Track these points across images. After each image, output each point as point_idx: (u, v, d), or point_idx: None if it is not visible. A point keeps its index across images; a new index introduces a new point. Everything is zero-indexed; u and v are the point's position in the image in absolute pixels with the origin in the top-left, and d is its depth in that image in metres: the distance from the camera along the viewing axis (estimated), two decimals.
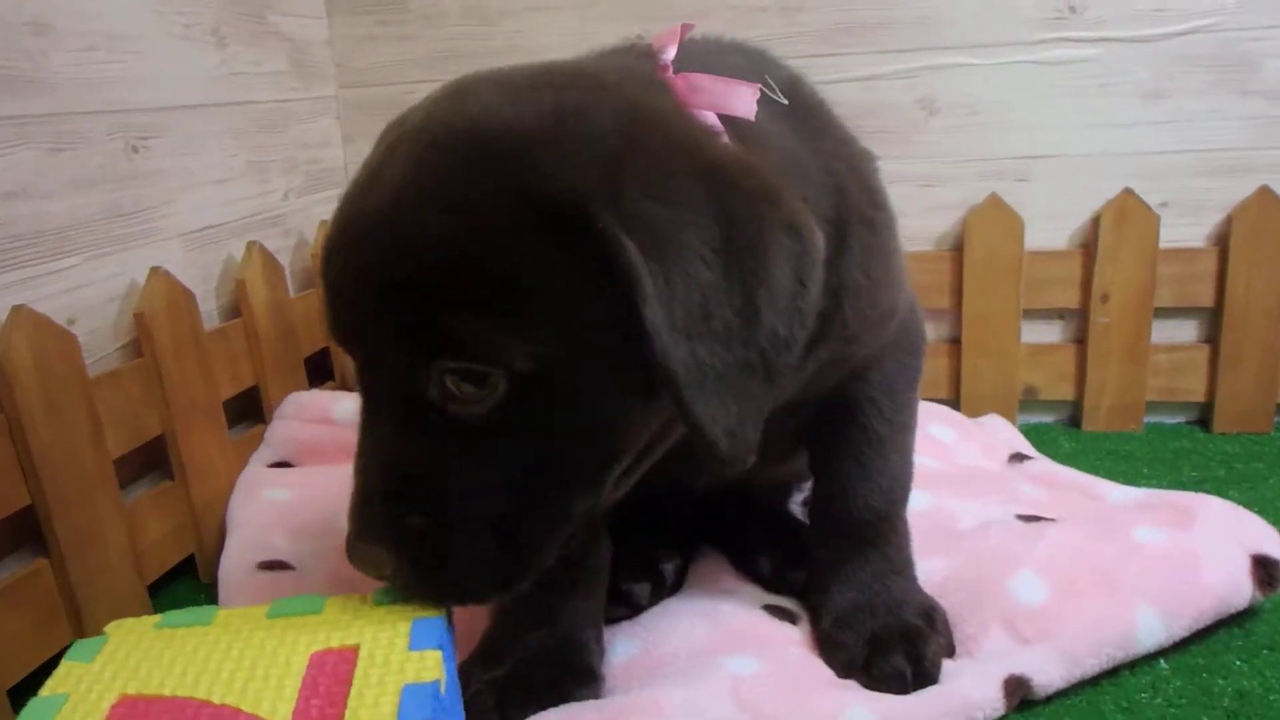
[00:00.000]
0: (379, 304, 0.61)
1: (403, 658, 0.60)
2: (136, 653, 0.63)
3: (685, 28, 0.81)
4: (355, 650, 0.61)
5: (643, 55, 0.77)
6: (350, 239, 0.63)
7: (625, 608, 0.94)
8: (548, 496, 0.65)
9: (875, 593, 0.88)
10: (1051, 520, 1.04)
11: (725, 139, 0.68)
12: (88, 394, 0.98)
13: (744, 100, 0.71)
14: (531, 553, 0.66)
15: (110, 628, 0.67)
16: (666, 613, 0.95)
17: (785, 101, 0.77)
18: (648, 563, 0.98)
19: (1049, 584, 0.91)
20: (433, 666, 0.59)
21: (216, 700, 0.56)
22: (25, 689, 0.91)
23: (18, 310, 0.92)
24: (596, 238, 0.56)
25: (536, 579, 0.67)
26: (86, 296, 1.05)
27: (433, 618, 0.65)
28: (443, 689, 0.59)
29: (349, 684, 0.57)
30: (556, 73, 0.68)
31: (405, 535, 0.63)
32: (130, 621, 0.68)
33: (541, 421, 0.62)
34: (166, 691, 0.58)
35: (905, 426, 0.93)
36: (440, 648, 0.61)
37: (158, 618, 0.68)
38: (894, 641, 0.84)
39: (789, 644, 0.89)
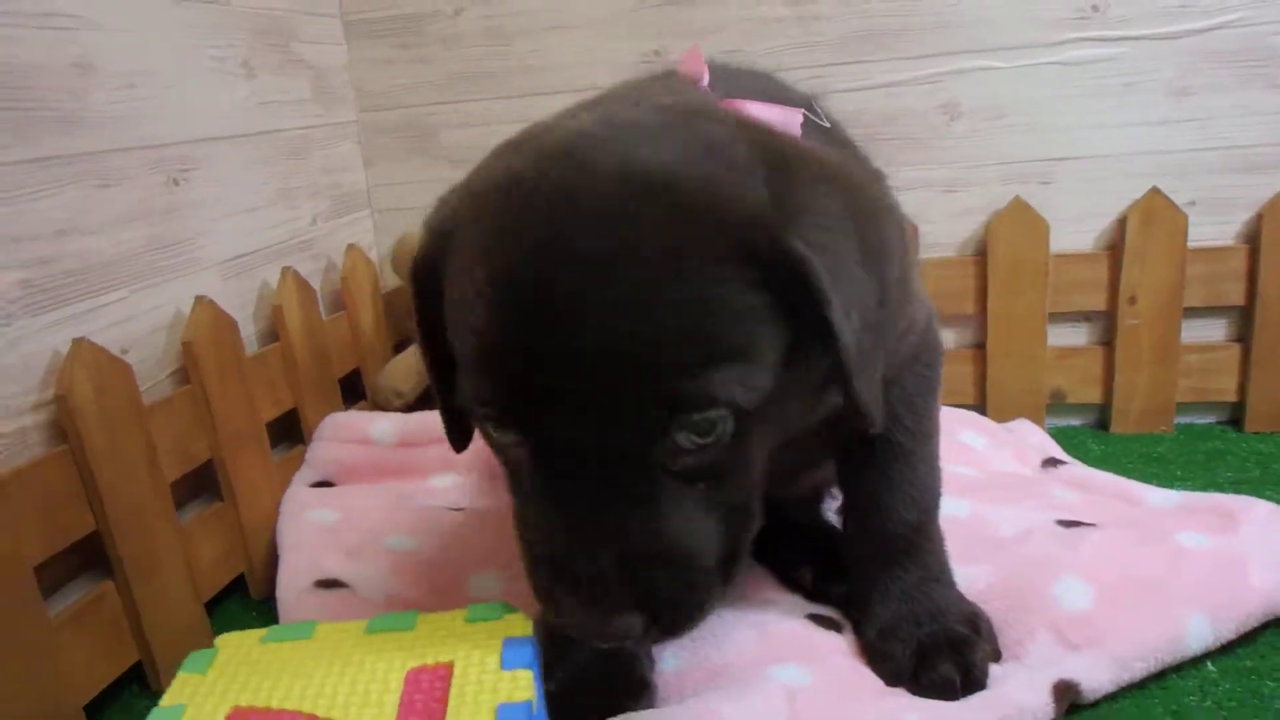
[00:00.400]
0: (604, 373, 0.59)
1: (495, 677, 0.65)
2: (245, 666, 0.68)
3: (695, 53, 0.86)
4: (450, 667, 0.66)
5: (686, 83, 0.82)
6: (554, 305, 0.58)
7: None
8: (749, 509, 0.70)
9: (918, 602, 0.91)
10: (1092, 525, 1.07)
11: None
12: (143, 422, 1.04)
13: (793, 125, 0.76)
14: (741, 560, 0.70)
15: (220, 641, 0.72)
16: (713, 623, 0.96)
17: (827, 124, 0.82)
18: None
19: (1095, 589, 0.94)
20: (525, 686, 0.63)
21: (322, 714, 0.61)
22: (97, 706, 0.98)
23: (78, 344, 0.97)
24: (784, 262, 0.60)
25: None
26: (134, 328, 1.11)
27: (523, 637, 0.69)
28: (534, 708, 0.64)
29: (445, 701, 0.62)
30: (659, 106, 0.69)
31: (649, 595, 0.63)
32: (238, 635, 0.73)
33: (749, 447, 0.65)
34: (274, 704, 0.63)
35: (928, 436, 0.97)
36: (530, 667, 0.66)
37: (263, 632, 0.73)
38: (941, 649, 0.87)
39: (835, 653, 0.92)
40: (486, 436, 0.67)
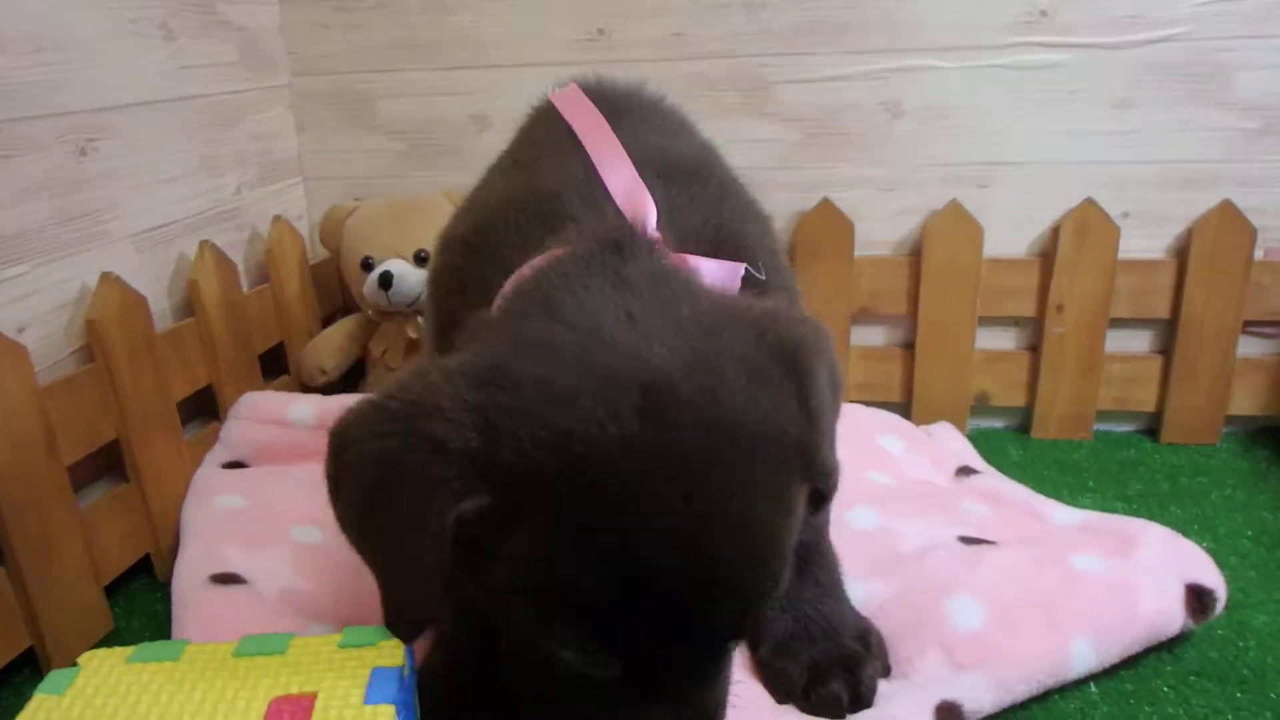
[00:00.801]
0: (727, 602, 0.63)
1: (357, 712, 0.64)
2: (105, 689, 0.67)
3: (575, 90, 0.95)
4: (313, 699, 0.66)
5: (657, 261, 0.74)
6: (703, 545, 0.60)
7: None
8: None
9: (811, 619, 0.92)
10: (993, 544, 1.09)
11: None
12: (40, 404, 1.02)
13: (736, 279, 0.82)
14: None
15: (83, 659, 0.72)
16: None
17: (763, 278, 0.84)
18: None
19: (987, 610, 0.96)
20: None
21: None
22: None
23: None
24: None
25: None
26: (36, 304, 1.09)
27: (390, 668, 0.69)
28: None
29: None
30: (694, 336, 0.66)
31: None
32: (102, 653, 0.72)
33: None
34: None
35: None
36: (394, 702, 0.65)
37: (129, 650, 0.72)
38: (833, 667, 0.89)
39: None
40: (553, 660, 0.66)
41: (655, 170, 0.85)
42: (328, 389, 1.56)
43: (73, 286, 1.14)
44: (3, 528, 0.98)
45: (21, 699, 0.98)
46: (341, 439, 0.68)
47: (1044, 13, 1.45)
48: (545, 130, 0.93)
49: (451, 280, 0.89)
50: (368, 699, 0.66)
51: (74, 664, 0.72)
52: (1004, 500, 1.25)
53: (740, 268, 0.81)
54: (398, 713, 0.65)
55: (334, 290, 1.74)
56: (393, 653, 0.72)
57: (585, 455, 0.58)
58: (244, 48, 1.52)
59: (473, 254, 0.86)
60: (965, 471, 1.36)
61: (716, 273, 0.80)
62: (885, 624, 0.96)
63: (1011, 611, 0.96)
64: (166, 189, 1.32)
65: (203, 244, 1.34)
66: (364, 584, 1.07)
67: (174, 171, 1.34)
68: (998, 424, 1.64)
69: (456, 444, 0.59)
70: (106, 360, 1.12)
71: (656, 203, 0.81)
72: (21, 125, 1.06)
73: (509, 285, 0.74)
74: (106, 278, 1.14)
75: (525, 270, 0.73)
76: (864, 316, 1.61)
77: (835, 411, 0.74)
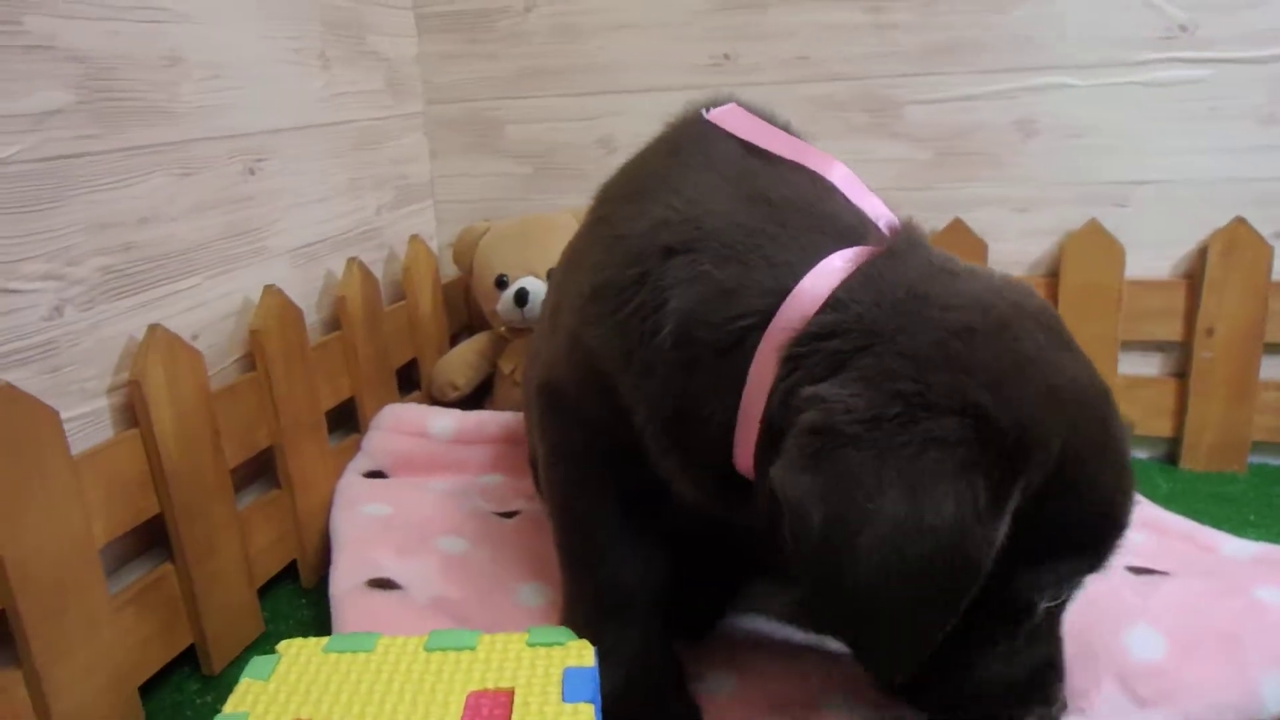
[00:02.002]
0: None
1: (557, 709, 0.67)
2: (307, 676, 0.72)
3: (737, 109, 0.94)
4: (510, 695, 0.68)
5: (915, 232, 0.81)
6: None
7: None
8: None
9: None
10: (1164, 574, 1.06)
11: None
12: (211, 409, 1.10)
13: None
14: None
15: (282, 647, 0.76)
16: (778, 649, 1.01)
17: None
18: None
19: (1167, 641, 0.93)
20: None
21: None
22: (148, 688, 1.04)
23: (153, 330, 1.03)
24: None
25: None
26: (205, 314, 1.17)
27: (584, 668, 0.72)
28: None
29: None
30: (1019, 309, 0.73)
31: None
32: (299, 642, 0.77)
33: None
34: (335, 718, 0.67)
35: None
36: (593, 701, 0.68)
37: (324, 640, 0.77)
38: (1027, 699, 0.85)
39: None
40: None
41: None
42: (457, 404, 1.62)
43: (236, 298, 1.22)
44: (174, 525, 1.05)
45: (183, 695, 1.06)
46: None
47: (1183, 27, 1.44)
48: (714, 142, 0.89)
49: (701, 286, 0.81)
50: (566, 697, 0.68)
51: (272, 651, 0.77)
52: (1167, 530, 1.20)
53: None
54: (595, 712, 0.68)
55: (460, 308, 1.82)
56: (582, 653, 0.74)
57: (1075, 403, 0.68)
58: (387, 76, 1.61)
59: (729, 263, 0.79)
60: None
61: None
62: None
63: (1194, 643, 0.93)
64: (318, 208, 1.41)
65: (350, 261, 1.42)
66: (507, 595, 1.13)
67: (324, 192, 1.42)
68: (1142, 455, 1.61)
69: (1044, 438, 0.66)
70: (266, 368, 1.20)
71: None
72: (200, 145, 1.15)
73: (832, 280, 0.74)
74: (270, 290, 1.22)
75: (846, 266, 0.75)
76: None
77: None
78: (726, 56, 1.62)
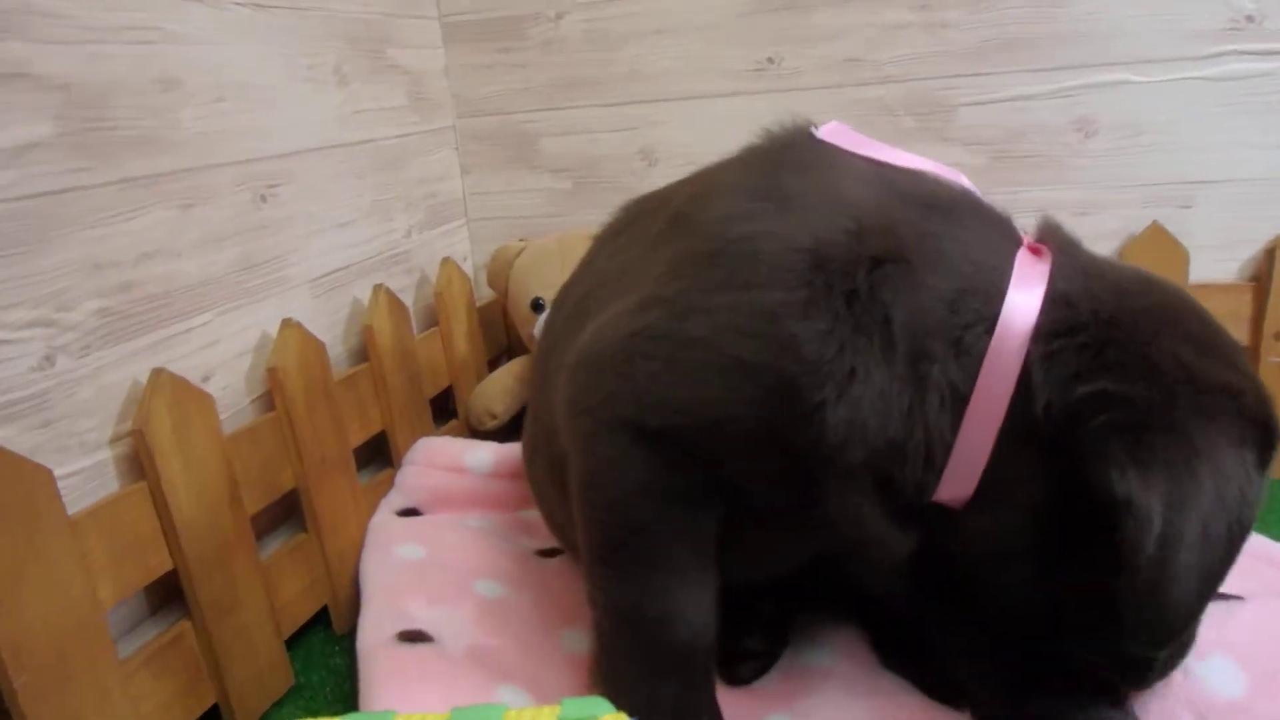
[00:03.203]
0: None
1: None
2: None
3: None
4: None
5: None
6: None
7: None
8: None
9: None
10: (1239, 598, 0.94)
11: None
12: (225, 454, 0.98)
13: None
14: None
15: None
16: (822, 692, 0.91)
17: None
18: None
19: (1248, 676, 0.82)
20: None
21: None
22: None
23: (157, 374, 0.91)
24: None
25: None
26: (219, 352, 1.05)
27: None
28: None
29: None
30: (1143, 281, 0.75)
31: None
32: None
33: None
34: None
35: None
36: None
37: None
38: None
39: None
40: None
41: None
42: (497, 433, 1.49)
43: (253, 334, 1.10)
44: (189, 581, 0.93)
45: None
46: None
47: (1250, 18, 1.30)
48: (837, 154, 0.83)
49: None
50: None
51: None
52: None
53: None
54: None
55: (499, 332, 1.68)
56: None
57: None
58: (411, 91, 1.48)
59: (939, 271, 0.73)
60: None
61: None
62: None
63: (1276, 675, 0.83)
64: (340, 234, 1.28)
65: (377, 288, 1.29)
66: (552, 642, 1.01)
67: (347, 216, 1.30)
68: None
69: None
70: (287, 407, 1.08)
71: None
72: (204, 174, 1.03)
73: (1038, 278, 0.72)
74: (288, 324, 1.10)
75: (1041, 263, 0.74)
76: None
77: None
78: (770, 60, 1.48)
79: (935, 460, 0.71)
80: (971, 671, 0.87)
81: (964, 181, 0.82)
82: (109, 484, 0.90)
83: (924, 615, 0.90)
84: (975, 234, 0.74)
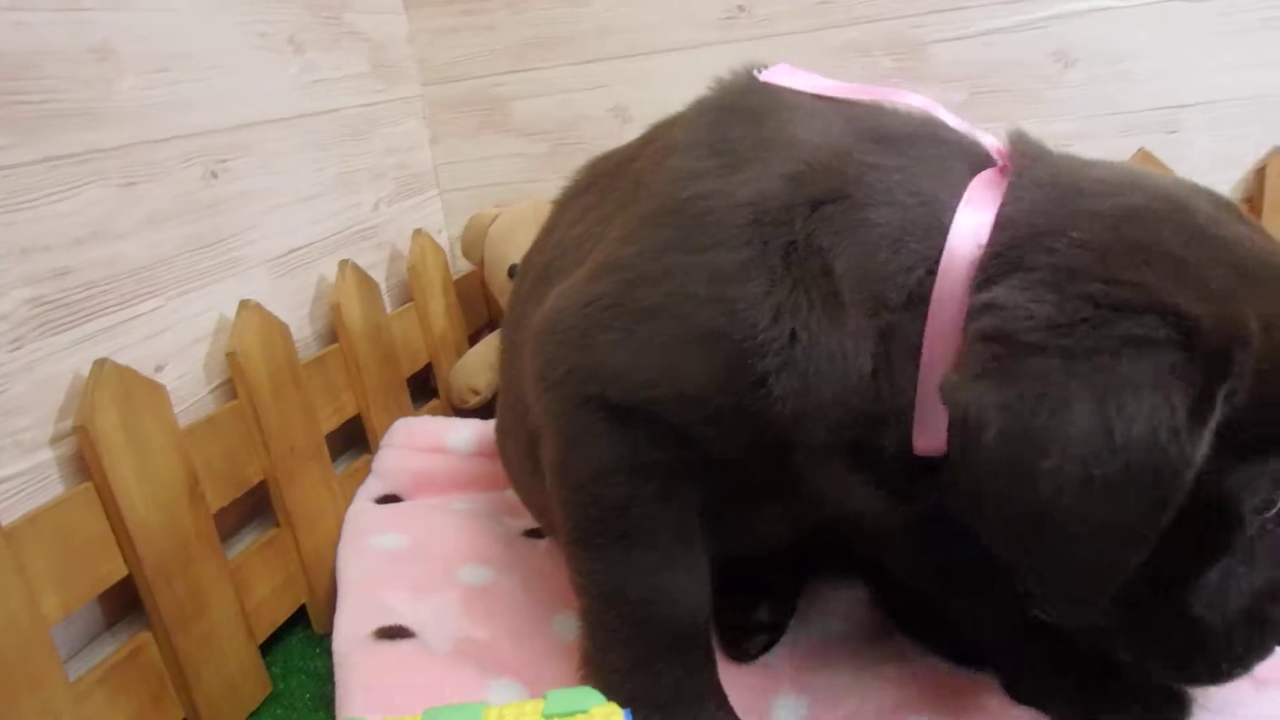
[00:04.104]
0: None
1: None
2: None
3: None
4: None
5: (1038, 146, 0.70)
6: None
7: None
8: None
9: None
10: None
11: None
12: (182, 448, 0.89)
13: None
14: None
15: None
16: (847, 666, 0.84)
17: None
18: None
19: None
20: None
21: None
22: None
23: (100, 365, 0.82)
24: None
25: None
26: (172, 339, 0.95)
27: None
28: None
29: None
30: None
31: None
32: None
33: None
34: None
35: None
36: None
37: None
38: None
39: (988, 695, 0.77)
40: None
41: None
42: (480, 409, 1.40)
43: (208, 319, 1.00)
44: (147, 588, 0.84)
45: None
46: None
47: None
48: (786, 96, 0.75)
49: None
50: None
51: None
52: None
53: None
54: None
55: (478, 305, 1.58)
56: (608, 715, 0.57)
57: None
58: (374, 58, 1.38)
59: (882, 206, 0.65)
60: None
61: None
62: None
63: None
64: (302, 209, 1.18)
65: (343, 264, 1.19)
66: (540, 629, 0.92)
67: (309, 190, 1.19)
68: None
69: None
70: (250, 395, 0.98)
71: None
72: (148, 149, 0.93)
73: (988, 203, 0.63)
74: (246, 305, 1.00)
75: (995, 186, 0.64)
76: None
77: None
78: (740, 8, 1.39)
79: (906, 416, 0.63)
80: (998, 645, 0.79)
81: (937, 110, 0.73)
82: (55, 487, 0.81)
83: (943, 584, 0.83)
84: (927, 162, 0.66)
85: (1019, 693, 0.78)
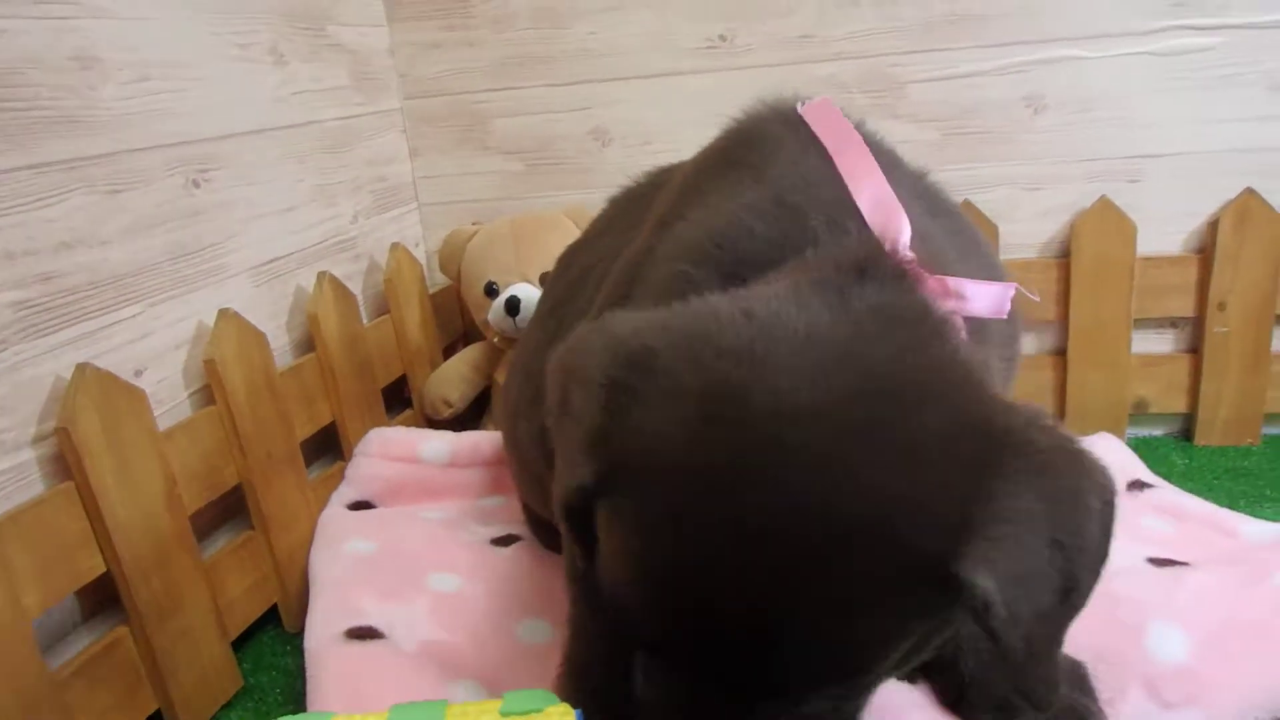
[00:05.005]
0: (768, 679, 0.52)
1: None
2: None
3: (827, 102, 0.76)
4: None
5: (898, 290, 0.61)
6: (750, 597, 0.50)
7: None
8: None
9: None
10: (1186, 564, 0.94)
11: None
12: (160, 451, 0.90)
13: (1006, 302, 0.67)
14: None
15: None
16: None
17: (1037, 299, 0.77)
18: None
19: (1193, 640, 0.81)
20: None
21: None
22: None
23: (81, 369, 0.83)
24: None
25: None
26: (152, 345, 0.97)
27: None
28: None
29: None
30: (880, 387, 0.53)
31: None
32: None
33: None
34: None
35: None
36: None
37: None
38: None
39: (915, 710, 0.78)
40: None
41: (914, 193, 0.73)
42: (453, 421, 1.42)
43: (188, 326, 1.01)
44: (125, 585, 0.86)
45: None
46: None
47: None
48: (777, 136, 0.75)
49: (681, 286, 0.67)
50: None
51: None
52: (1186, 516, 1.08)
53: (1012, 288, 0.67)
54: None
55: (454, 318, 1.60)
56: (563, 716, 0.58)
57: (669, 458, 0.51)
58: (355, 71, 1.39)
59: (708, 263, 0.68)
60: (1137, 486, 1.17)
61: (984, 296, 0.66)
62: (1076, 658, 0.79)
63: (1220, 640, 0.81)
64: (281, 220, 1.19)
65: (321, 275, 1.21)
66: (509, 634, 0.94)
67: (288, 201, 1.21)
68: (1157, 431, 1.45)
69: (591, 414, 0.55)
70: (227, 401, 1.00)
71: (912, 223, 0.67)
72: (130, 157, 0.94)
73: None
74: (225, 314, 1.01)
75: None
76: None
77: (1105, 540, 0.55)
78: (722, 38, 1.42)
79: None
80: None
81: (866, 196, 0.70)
82: (36, 486, 0.82)
83: None
84: (757, 240, 0.67)
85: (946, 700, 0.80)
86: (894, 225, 0.66)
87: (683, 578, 0.50)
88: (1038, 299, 0.73)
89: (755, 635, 0.49)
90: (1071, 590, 0.53)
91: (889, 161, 0.75)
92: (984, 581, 0.49)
